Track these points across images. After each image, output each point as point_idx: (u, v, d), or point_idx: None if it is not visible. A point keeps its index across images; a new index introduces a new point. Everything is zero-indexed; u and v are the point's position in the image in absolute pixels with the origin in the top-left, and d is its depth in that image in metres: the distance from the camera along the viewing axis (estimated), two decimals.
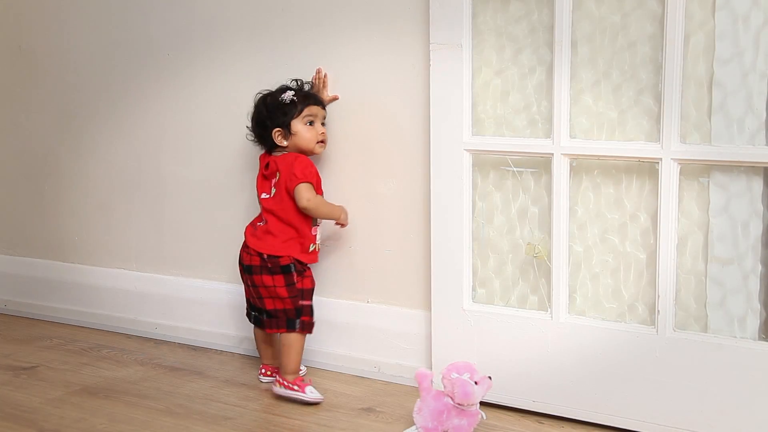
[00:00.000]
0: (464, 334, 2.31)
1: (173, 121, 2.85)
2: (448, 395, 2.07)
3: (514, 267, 2.32)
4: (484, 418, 2.10)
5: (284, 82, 2.45)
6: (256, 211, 2.49)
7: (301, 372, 2.54)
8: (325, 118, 2.44)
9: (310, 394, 2.33)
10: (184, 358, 2.75)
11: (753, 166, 2.00)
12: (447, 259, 2.32)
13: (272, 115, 2.37)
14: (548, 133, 2.19)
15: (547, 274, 2.22)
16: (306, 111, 2.37)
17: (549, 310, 2.22)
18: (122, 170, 2.98)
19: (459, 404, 2.06)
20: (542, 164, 2.23)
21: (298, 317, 2.37)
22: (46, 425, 2.23)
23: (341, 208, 2.45)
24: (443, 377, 2.08)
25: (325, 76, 2.51)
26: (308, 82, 2.47)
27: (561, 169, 2.16)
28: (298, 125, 2.36)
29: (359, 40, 2.47)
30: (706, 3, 2.01)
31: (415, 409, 2.10)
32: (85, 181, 3.07)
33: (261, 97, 2.43)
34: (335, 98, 2.51)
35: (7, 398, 2.42)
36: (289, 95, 2.36)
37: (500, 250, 2.33)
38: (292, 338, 2.38)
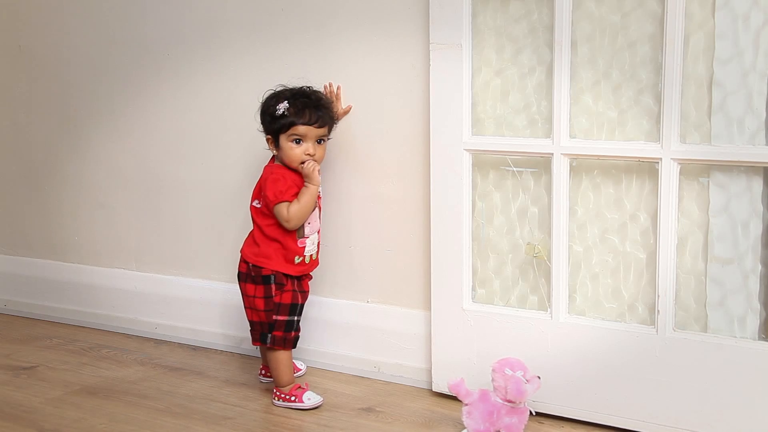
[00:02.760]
0: (464, 334, 2.31)
1: (173, 120, 2.85)
2: (496, 389, 2.07)
3: (514, 267, 2.32)
4: (533, 414, 2.11)
5: (302, 83, 2.36)
6: None
7: (299, 372, 2.54)
8: (324, 136, 2.30)
9: (308, 401, 2.32)
10: (184, 358, 2.75)
11: (753, 166, 2.00)
12: (447, 259, 2.32)
13: (264, 120, 2.30)
14: (548, 133, 2.19)
15: (547, 274, 2.22)
16: (292, 130, 2.25)
17: (549, 310, 2.22)
18: (122, 170, 2.98)
19: (509, 401, 2.06)
20: (542, 164, 2.23)
21: (270, 332, 2.33)
22: (46, 425, 2.23)
23: (307, 180, 2.25)
24: (494, 371, 2.08)
25: (338, 88, 2.46)
26: (317, 91, 2.36)
27: (561, 169, 2.16)
28: (283, 141, 2.27)
29: (359, 40, 2.46)
30: (706, 3, 2.01)
31: (464, 412, 2.09)
32: (85, 181, 3.07)
33: (273, 94, 2.32)
34: (349, 110, 2.47)
35: (7, 398, 2.42)
36: (282, 107, 2.25)
37: (500, 250, 2.33)
38: (273, 353, 2.35)
